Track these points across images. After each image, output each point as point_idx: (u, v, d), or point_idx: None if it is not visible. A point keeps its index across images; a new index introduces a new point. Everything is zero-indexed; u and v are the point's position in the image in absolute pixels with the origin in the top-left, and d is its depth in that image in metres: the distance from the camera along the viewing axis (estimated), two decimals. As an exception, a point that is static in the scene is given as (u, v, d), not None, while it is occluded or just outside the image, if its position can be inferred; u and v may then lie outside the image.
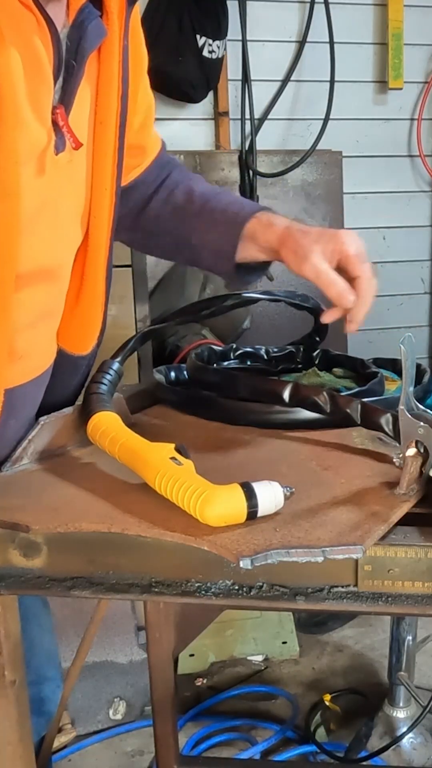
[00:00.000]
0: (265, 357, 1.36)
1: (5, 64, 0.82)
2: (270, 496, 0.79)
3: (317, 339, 1.33)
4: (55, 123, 0.91)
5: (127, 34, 0.99)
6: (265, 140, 2.89)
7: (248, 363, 1.37)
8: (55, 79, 0.91)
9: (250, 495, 0.78)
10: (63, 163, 0.94)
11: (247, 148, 2.84)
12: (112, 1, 0.96)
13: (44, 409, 1.06)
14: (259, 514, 0.79)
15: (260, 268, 1.19)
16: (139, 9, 1.03)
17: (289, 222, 1.10)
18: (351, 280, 1.05)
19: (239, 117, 2.87)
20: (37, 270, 0.97)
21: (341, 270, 1.05)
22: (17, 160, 0.85)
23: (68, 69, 0.92)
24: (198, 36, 2.64)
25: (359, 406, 1.01)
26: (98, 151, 1.01)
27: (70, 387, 1.12)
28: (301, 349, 1.35)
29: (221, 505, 0.77)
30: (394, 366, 1.31)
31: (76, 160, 0.98)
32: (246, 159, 2.81)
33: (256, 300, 1.26)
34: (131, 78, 1.03)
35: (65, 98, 0.92)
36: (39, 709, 1.32)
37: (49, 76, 0.90)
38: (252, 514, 0.78)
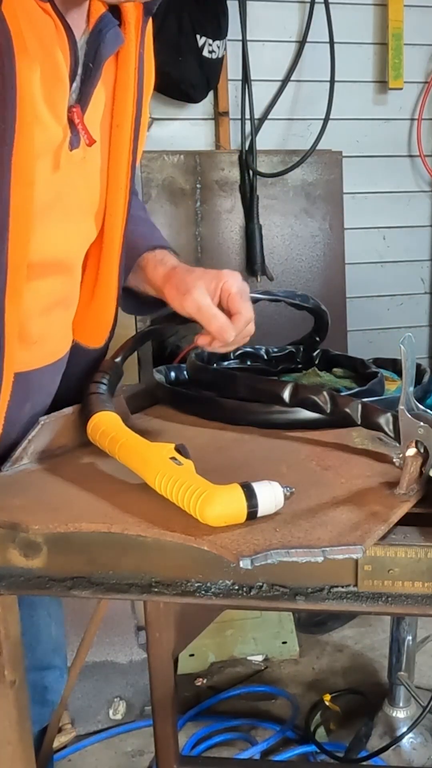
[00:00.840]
0: (265, 357, 1.37)
1: (26, 70, 0.86)
2: (270, 496, 0.79)
3: (317, 339, 1.33)
4: (71, 121, 0.96)
5: (143, 42, 1.04)
6: (265, 140, 2.88)
7: (248, 363, 1.37)
8: (72, 81, 0.96)
9: (250, 495, 0.78)
10: (77, 160, 0.98)
11: (247, 148, 2.84)
12: (130, 11, 1.01)
13: (61, 399, 1.10)
14: (259, 514, 0.79)
15: (153, 303, 1.21)
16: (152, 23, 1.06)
17: (178, 263, 1.15)
18: (230, 316, 1.10)
19: (239, 117, 2.86)
20: (49, 261, 1.00)
21: (222, 308, 1.10)
22: (34, 154, 0.89)
23: (86, 72, 0.97)
24: (198, 36, 2.64)
25: (359, 406, 1.01)
26: (114, 152, 1.05)
27: (84, 379, 1.14)
28: (301, 349, 1.35)
29: (221, 505, 0.77)
30: (394, 366, 1.31)
31: (90, 159, 1.02)
32: (246, 159, 2.81)
33: (256, 300, 1.26)
34: (145, 85, 1.07)
35: (82, 99, 0.97)
36: (42, 698, 1.33)
37: (65, 77, 0.94)
38: (252, 514, 0.78)
